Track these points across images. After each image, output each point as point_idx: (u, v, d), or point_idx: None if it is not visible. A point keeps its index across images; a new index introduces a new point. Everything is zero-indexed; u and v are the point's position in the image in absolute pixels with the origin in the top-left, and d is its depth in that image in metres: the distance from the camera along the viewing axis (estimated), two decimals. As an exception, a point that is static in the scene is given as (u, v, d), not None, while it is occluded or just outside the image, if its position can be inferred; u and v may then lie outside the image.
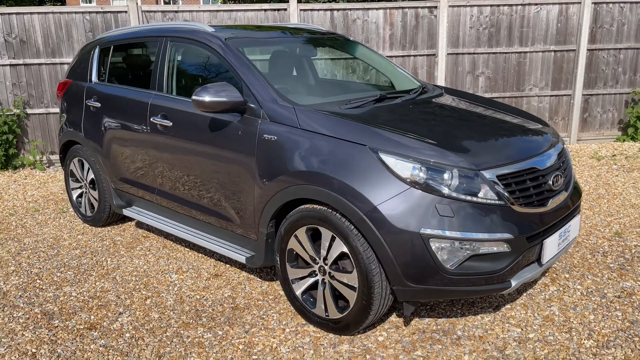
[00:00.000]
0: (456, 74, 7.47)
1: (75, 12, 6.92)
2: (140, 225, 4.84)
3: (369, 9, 7.15)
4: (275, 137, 3.10)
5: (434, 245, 2.60)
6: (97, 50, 4.68)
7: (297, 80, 4.31)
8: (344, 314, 2.92)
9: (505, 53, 7.52)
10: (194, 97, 3.21)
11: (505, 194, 2.69)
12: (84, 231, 4.75)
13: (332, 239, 2.87)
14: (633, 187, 5.52)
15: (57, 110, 7.03)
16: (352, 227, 2.76)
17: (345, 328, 2.94)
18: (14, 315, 3.34)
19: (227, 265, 3.96)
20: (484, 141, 2.94)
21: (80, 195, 4.95)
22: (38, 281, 3.80)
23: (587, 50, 7.61)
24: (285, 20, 7.08)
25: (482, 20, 7.37)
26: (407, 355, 2.82)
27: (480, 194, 2.64)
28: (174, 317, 3.27)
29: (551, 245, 2.87)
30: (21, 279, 3.83)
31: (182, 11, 6.99)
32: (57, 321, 3.26)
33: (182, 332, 3.11)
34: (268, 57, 4.04)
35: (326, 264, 2.96)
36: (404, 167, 2.67)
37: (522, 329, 3.03)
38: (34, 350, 2.96)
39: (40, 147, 7.05)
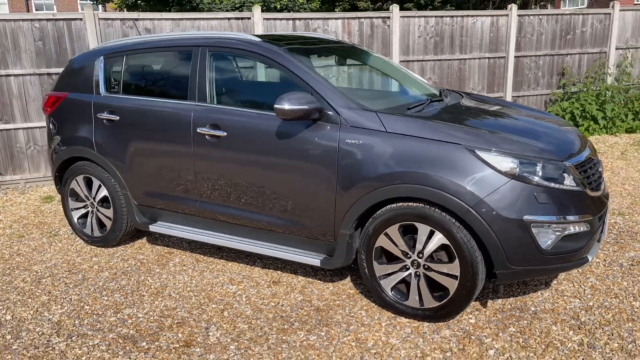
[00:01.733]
0: (410, 80, 8.00)
1: (23, 20, 6.38)
2: (153, 241, 4.66)
3: (328, 18, 7.43)
4: (360, 142, 3.26)
5: (535, 229, 2.94)
6: (101, 61, 4.44)
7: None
8: (442, 302, 3.16)
9: (449, 60, 8.21)
10: (276, 106, 3.26)
11: (581, 180, 3.12)
12: (96, 253, 4.47)
13: (431, 233, 3.10)
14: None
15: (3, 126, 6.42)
16: (454, 220, 3.01)
17: (445, 315, 3.19)
18: (91, 343, 3.13)
19: (280, 272, 4.00)
20: (550, 136, 3.35)
21: (84, 216, 4.63)
22: (86, 307, 3.56)
23: (514, 57, 8.55)
24: (250, 29, 7.11)
25: (429, 30, 7.98)
26: (504, 332, 3.14)
27: (566, 182, 3.03)
28: (263, 325, 3.28)
29: (606, 224, 3.36)
30: (66, 307, 3.56)
31: (143, 19, 6.75)
32: (145, 343, 3.12)
33: (285, 337, 3.14)
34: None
35: (420, 258, 3.18)
36: (503, 162, 2.98)
37: (580, 300, 3.48)
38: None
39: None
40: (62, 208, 5.50)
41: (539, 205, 2.95)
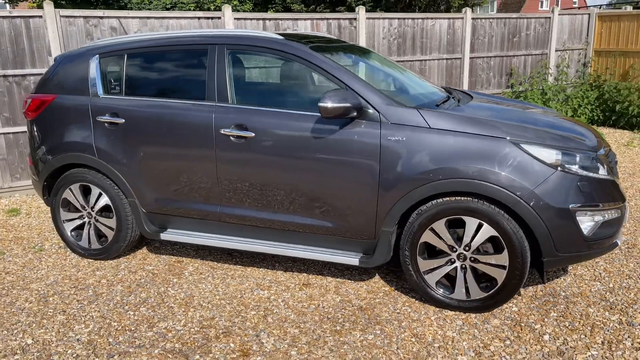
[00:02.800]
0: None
1: (-25, 17, 5.81)
2: (156, 251, 4.42)
3: (297, 19, 7.40)
4: (404, 139, 3.28)
5: (579, 217, 3.10)
6: (96, 60, 4.14)
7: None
8: (490, 292, 3.25)
9: (411, 61, 8.44)
10: (321, 104, 3.21)
11: (610, 169, 3.33)
12: (97, 266, 4.16)
13: (479, 226, 3.18)
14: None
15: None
16: (503, 212, 3.11)
17: (493, 305, 3.28)
18: (138, 361, 2.92)
19: (306, 274, 3.93)
20: (575, 130, 3.54)
21: (79, 227, 4.29)
22: (114, 324, 3.31)
23: (469, 58, 8.95)
24: (219, 27, 6.93)
25: (392, 31, 8.17)
26: (547, 317, 3.27)
27: (600, 171, 3.22)
28: (314, 328, 3.21)
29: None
30: (92, 326, 3.29)
31: (108, 17, 6.38)
32: (197, 356, 2.95)
33: (342, 339, 3.09)
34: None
35: (467, 250, 3.25)
36: (548, 154, 3.12)
37: (600, 282, 3.71)
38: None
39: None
40: (44, 220, 5.12)
41: (582, 194, 3.12)
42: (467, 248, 3.25)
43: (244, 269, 4.04)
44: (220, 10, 7.01)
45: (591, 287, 3.64)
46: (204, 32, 3.93)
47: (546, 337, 3.06)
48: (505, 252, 3.16)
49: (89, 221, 4.24)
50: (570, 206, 3.08)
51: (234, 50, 3.78)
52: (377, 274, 3.90)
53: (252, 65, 3.84)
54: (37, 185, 4.41)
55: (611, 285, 3.66)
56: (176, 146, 3.80)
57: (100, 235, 4.25)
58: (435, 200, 3.26)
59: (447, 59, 8.75)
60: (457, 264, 3.31)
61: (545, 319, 3.25)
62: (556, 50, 9.86)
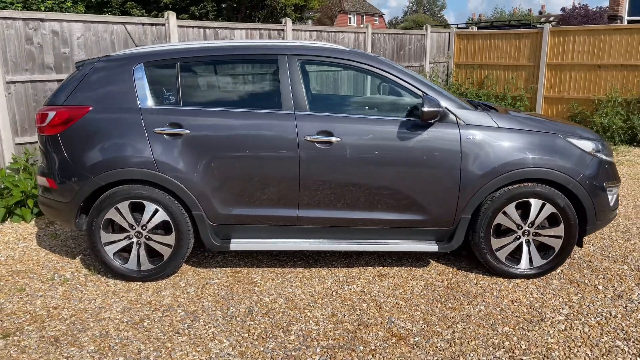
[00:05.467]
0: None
1: None
2: (197, 265, 4.30)
3: (234, 28, 7.50)
4: (479, 137, 3.86)
5: (608, 192, 4.03)
6: (141, 69, 3.92)
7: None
8: (549, 259, 4.01)
9: (327, 71, 9.04)
10: (424, 109, 3.63)
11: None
12: (155, 288, 3.93)
13: (542, 206, 3.92)
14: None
15: None
16: (560, 192, 3.89)
17: (550, 269, 4.03)
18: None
19: (372, 267, 4.26)
20: (579, 128, 4.49)
21: (124, 249, 3.98)
22: (245, 334, 3.28)
23: (370, 68, 9.88)
24: (165, 35, 6.72)
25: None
26: (585, 274, 4.14)
27: (611, 157, 4.21)
28: (432, 308, 3.60)
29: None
30: (226, 341, 3.21)
31: (50, 20, 5.79)
32: (361, 347, 3.14)
33: (463, 312, 3.53)
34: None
35: (531, 227, 3.97)
36: (587, 145, 3.98)
37: (592, 244, 4.74)
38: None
39: None
40: (29, 249, 4.55)
41: (607, 174, 4.05)
42: (531, 225, 3.96)
43: (309, 271, 4.20)
44: (123, 14, 6.76)
45: (589, 248, 4.64)
46: (271, 43, 4.01)
47: (600, 287, 3.92)
48: (562, 225, 3.94)
49: (138, 241, 3.95)
50: (604, 184, 3.99)
51: (304, 60, 3.95)
52: (430, 260, 4.40)
53: (322, 74, 4.02)
54: (64, 209, 3.95)
55: (605, 243, 4.71)
56: (253, 154, 3.82)
57: (152, 254, 3.99)
58: (506, 188, 3.89)
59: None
60: (523, 239, 4.00)
61: (586, 275, 4.11)
62: (430, 63, 11.37)
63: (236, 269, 4.24)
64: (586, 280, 4.02)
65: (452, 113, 3.87)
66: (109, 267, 3.97)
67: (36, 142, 5.90)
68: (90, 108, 3.87)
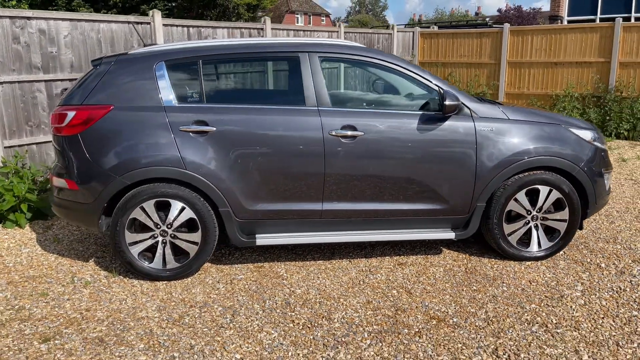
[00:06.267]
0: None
1: None
2: (217, 262, 4.33)
3: (216, 27, 7.50)
4: (492, 129, 4.10)
5: (605, 177, 4.37)
6: (162, 67, 3.91)
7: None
8: (556, 241, 4.30)
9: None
10: (447, 103, 3.83)
11: (604, 143, 4.70)
12: (184, 286, 3.93)
13: (550, 192, 4.20)
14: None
15: None
16: (564, 179, 4.19)
17: (558, 250, 4.32)
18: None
19: (389, 257, 4.42)
20: (575, 118, 4.82)
21: (149, 249, 3.95)
22: (290, 324, 3.36)
23: (344, 67, 10.04)
24: (150, 34, 6.65)
25: (290, 42, 8.76)
26: (585, 254, 4.47)
27: (605, 146, 4.55)
28: (459, 291, 3.80)
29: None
30: (274, 332, 3.28)
31: (37, 18, 5.63)
32: (406, 330, 3.28)
33: (489, 294, 3.74)
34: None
35: (539, 212, 4.25)
36: (587, 135, 4.30)
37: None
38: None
39: None
40: (35, 254, 4.45)
41: (604, 160, 4.39)
42: (539, 210, 4.24)
43: (330, 263, 4.31)
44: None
45: (581, 231, 4.99)
46: (293, 41, 4.09)
47: (602, 265, 4.24)
48: (567, 209, 4.24)
49: (163, 240, 3.94)
50: (602, 170, 4.32)
51: (325, 57, 4.06)
52: (441, 248, 4.61)
53: (342, 71, 4.13)
54: (85, 210, 3.88)
55: (593, 226, 5.07)
56: (279, 150, 3.90)
57: (178, 253, 3.99)
58: (517, 176, 4.15)
59: (328, 68, 9.68)
60: (532, 224, 4.27)
61: (587, 256, 4.44)
62: (396, 61, 11.66)
63: (258, 264, 4.30)
64: (588, 260, 4.33)
65: (467, 106, 4.08)
66: (134, 268, 3.93)
67: (25, 145, 5.70)
68: (112, 107, 3.83)
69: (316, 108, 3.95)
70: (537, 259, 4.31)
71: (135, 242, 3.92)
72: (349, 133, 3.92)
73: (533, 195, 4.22)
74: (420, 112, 4.04)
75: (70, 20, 5.85)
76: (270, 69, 4.24)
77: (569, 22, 20.71)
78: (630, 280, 3.95)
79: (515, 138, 4.10)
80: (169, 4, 23.18)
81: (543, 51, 10.80)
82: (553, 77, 10.75)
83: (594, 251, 4.52)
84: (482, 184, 4.09)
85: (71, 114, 3.81)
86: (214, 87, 3.98)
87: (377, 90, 4.38)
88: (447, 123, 4.03)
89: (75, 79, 5.91)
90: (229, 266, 4.26)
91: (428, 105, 4.12)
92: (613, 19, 10.14)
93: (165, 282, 3.98)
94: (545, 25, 11.07)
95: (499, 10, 46.77)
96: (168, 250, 3.96)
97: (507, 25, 11.14)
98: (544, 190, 4.18)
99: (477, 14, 66.61)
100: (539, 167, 4.17)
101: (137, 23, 6.50)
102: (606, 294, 3.74)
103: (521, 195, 4.17)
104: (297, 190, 3.97)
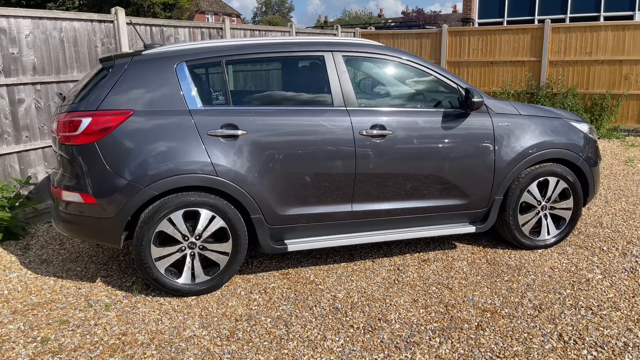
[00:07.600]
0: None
1: None
2: (241, 272, 4.15)
3: (178, 27, 7.19)
4: (507, 124, 4.26)
5: (598, 167, 4.69)
6: (184, 68, 3.67)
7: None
8: (561, 229, 4.55)
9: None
10: (474, 99, 3.92)
11: (594, 135, 5.03)
12: (217, 300, 3.72)
13: (557, 183, 4.44)
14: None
15: None
16: (569, 170, 4.45)
17: (563, 238, 4.57)
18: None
19: (411, 254, 4.45)
20: (569, 113, 5.10)
21: (176, 264, 3.69)
22: (346, 327, 3.29)
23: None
24: (113, 32, 6.23)
25: (248, 42, 8.58)
26: (583, 240, 4.77)
27: (597, 138, 4.89)
28: (493, 281, 3.90)
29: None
30: (340, 340, 3.19)
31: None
32: (465, 325, 3.32)
33: (520, 281, 3.88)
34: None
35: (548, 202, 4.48)
36: (584, 128, 4.59)
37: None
38: None
39: None
40: (34, 276, 4.05)
41: (597, 152, 4.71)
42: (548, 200, 4.46)
43: (354, 264, 4.27)
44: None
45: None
46: (316, 40, 3.99)
47: (605, 248, 4.55)
48: (572, 198, 4.50)
49: (192, 252, 3.70)
50: (597, 159, 4.64)
51: (349, 57, 4.01)
52: (454, 243, 4.72)
53: (368, 70, 4.06)
54: (105, 226, 3.55)
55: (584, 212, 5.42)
56: (311, 152, 3.80)
57: (207, 264, 3.76)
58: (530, 168, 4.34)
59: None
60: (542, 213, 4.49)
61: (586, 241, 4.74)
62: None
63: (282, 270, 4.15)
64: (590, 244, 4.63)
65: (484, 103, 4.21)
66: (162, 285, 3.65)
67: (-12, 157, 5.10)
68: (132, 112, 3.52)
69: (344, 108, 3.88)
70: (547, 246, 4.54)
71: (162, 257, 3.64)
72: (379, 132, 3.90)
73: (542, 187, 4.43)
74: (444, 110, 4.11)
75: (32, 18, 5.31)
76: (296, 68, 4.10)
77: (479, 24, 21.99)
78: (636, 261, 4.26)
79: (528, 132, 4.29)
80: (80, 1, 21.80)
81: (479, 51, 11.38)
82: (490, 76, 11.37)
83: (590, 236, 4.84)
84: (500, 177, 4.24)
85: (86, 121, 3.46)
86: (239, 89, 3.78)
87: (401, 89, 4.38)
88: (469, 119, 4.12)
89: (39, 83, 5.39)
90: (254, 275, 4.08)
91: (450, 103, 4.19)
92: (515, 22, 10.88)
93: (194, 297, 3.73)
94: (480, 27, 11.68)
95: (403, 13, 48.97)
96: (197, 263, 3.71)
97: (445, 27, 11.62)
98: (553, 181, 4.41)
99: (379, 15, 69.07)
100: (549, 160, 4.38)
101: (100, 21, 6.04)
102: (623, 274, 4.02)
103: (533, 187, 4.37)
104: (328, 192, 3.88)
